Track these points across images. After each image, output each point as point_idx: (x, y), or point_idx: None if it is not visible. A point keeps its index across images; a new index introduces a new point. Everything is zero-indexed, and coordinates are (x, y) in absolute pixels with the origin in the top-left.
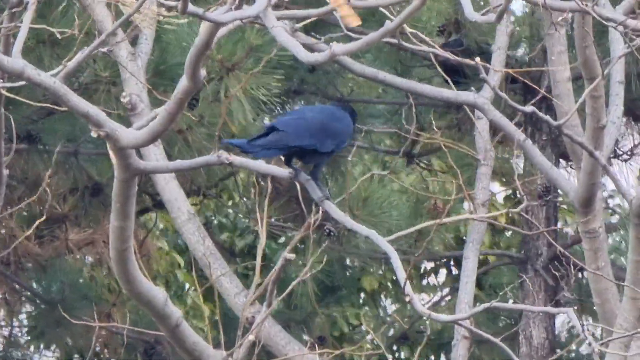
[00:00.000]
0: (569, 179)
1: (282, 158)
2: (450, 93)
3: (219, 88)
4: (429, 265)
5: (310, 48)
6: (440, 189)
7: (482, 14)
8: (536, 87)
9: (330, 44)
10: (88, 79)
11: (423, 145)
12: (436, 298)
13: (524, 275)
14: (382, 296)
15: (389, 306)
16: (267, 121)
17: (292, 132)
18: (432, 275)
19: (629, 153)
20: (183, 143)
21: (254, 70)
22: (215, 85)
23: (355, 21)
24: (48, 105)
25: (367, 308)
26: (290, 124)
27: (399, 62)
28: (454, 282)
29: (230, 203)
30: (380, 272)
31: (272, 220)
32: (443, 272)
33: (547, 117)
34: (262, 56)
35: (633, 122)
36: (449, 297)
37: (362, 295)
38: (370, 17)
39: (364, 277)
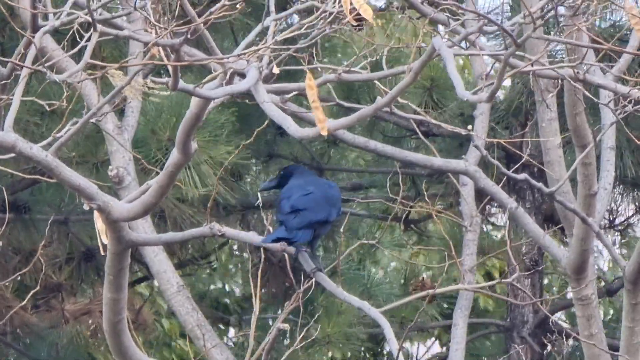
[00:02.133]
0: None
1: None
2: (441, 161)
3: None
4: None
5: (300, 117)
6: (431, 258)
7: (473, 93)
8: (521, 153)
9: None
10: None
11: (419, 212)
12: None
13: (514, 345)
14: None
15: None
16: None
17: (311, 208)
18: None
19: (624, 223)
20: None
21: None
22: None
23: (323, 130)
24: (38, 177)
25: None
26: (306, 201)
27: (380, 133)
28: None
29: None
30: None
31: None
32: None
33: (540, 185)
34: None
35: (628, 191)
36: None
37: None
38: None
39: None
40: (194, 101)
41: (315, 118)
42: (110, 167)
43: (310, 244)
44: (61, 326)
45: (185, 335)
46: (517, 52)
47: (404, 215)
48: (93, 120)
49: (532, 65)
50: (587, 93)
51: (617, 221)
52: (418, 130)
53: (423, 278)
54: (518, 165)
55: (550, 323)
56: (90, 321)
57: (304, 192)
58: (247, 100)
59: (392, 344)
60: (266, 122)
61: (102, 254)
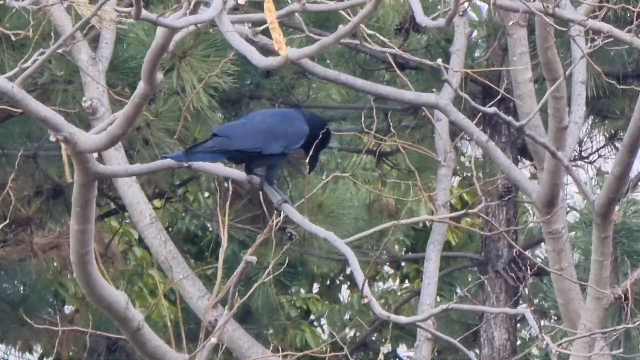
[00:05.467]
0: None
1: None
2: (412, 94)
3: (173, 79)
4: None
5: (271, 50)
6: (401, 191)
7: (433, 19)
8: (496, 87)
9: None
10: (45, 80)
11: (391, 146)
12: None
13: (483, 277)
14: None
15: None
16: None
17: (233, 137)
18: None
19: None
20: (143, 143)
21: (205, 56)
22: (169, 79)
23: (282, 49)
24: (5, 107)
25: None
26: (231, 128)
27: (357, 66)
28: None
29: (193, 206)
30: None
31: (234, 222)
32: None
33: (510, 118)
34: (211, 39)
35: (599, 122)
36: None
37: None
38: (326, 22)
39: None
40: (159, 31)
41: (273, 39)
42: (84, 98)
43: (266, 176)
44: (29, 259)
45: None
46: None
47: (377, 148)
48: (61, 50)
49: None
50: (555, 26)
51: (587, 153)
52: (392, 61)
53: (388, 200)
54: (495, 100)
55: (514, 254)
56: (58, 254)
57: (242, 120)
58: (211, 30)
59: (357, 274)
60: (232, 53)
61: (69, 180)
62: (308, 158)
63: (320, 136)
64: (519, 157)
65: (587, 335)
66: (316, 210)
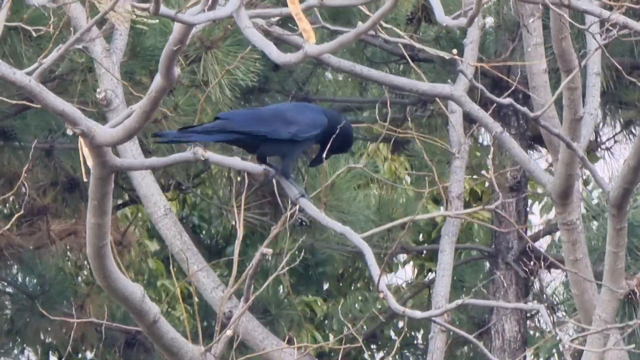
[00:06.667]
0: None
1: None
2: (426, 85)
3: (197, 70)
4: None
5: (285, 41)
6: (414, 183)
7: (454, 18)
8: (509, 79)
9: (303, 44)
10: (64, 69)
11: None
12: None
13: (495, 271)
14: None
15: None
16: None
17: (236, 119)
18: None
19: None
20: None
21: (231, 50)
22: (193, 68)
23: (311, 38)
24: (23, 102)
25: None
26: (236, 113)
27: (365, 58)
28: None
29: (208, 197)
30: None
31: (248, 214)
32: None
33: (525, 109)
34: (239, 36)
35: (614, 111)
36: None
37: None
38: (339, 16)
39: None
40: (176, 27)
41: (301, 30)
42: (98, 90)
43: (281, 168)
44: (47, 247)
45: (170, 274)
46: None
47: (392, 138)
48: (79, 45)
49: None
50: (570, 20)
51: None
52: (405, 54)
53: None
54: (507, 93)
55: (527, 248)
56: (76, 241)
57: (250, 109)
58: (229, 26)
59: (373, 269)
60: (248, 47)
61: (85, 179)
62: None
63: (338, 131)
64: (529, 148)
65: (600, 331)
66: (330, 199)
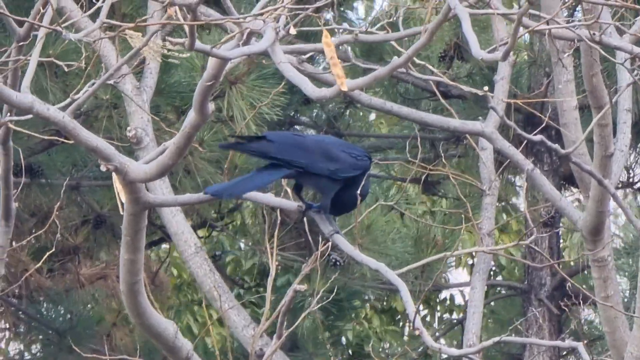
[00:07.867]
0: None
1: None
2: (457, 122)
3: (222, 105)
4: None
5: (316, 78)
6: (445, 219)
7: (489, 52)
8: (541, 115)
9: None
10: (89, 107)
11: (437, 175)
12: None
13: (531, 307)
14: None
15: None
16: None
17: (279, 144)
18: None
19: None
20: (184, 173)
21: (255, 84)
22: (219, 103)
23: (343, 85)
24: (54, 138)
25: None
26: (282, 136)
27: (398, 95)
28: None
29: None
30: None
31: (280, 251)
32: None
33: (556, 146)
34: (263, 69)
35: None
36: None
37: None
38: (370, 53)
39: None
40: (211, 62)
41: (334, 75)
42: (128, 128)
43: (320, 204)
44: (76, 290)
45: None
46: (533, 12)
47: (423, 177)
48: (111, 81)
49: (547, 24)
50: (603, 53)
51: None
52: (437, 91)
53: (435, 235)
54: (539, 129)
55: (567, 287)
56: (105, 285)
57: (296, 133)
58: (263, 61)
59: (408, 306)
60: (282, 83)
61: (122, 213)
62: None
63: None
64: (561, 185)
65: None
66: (364, 237)
